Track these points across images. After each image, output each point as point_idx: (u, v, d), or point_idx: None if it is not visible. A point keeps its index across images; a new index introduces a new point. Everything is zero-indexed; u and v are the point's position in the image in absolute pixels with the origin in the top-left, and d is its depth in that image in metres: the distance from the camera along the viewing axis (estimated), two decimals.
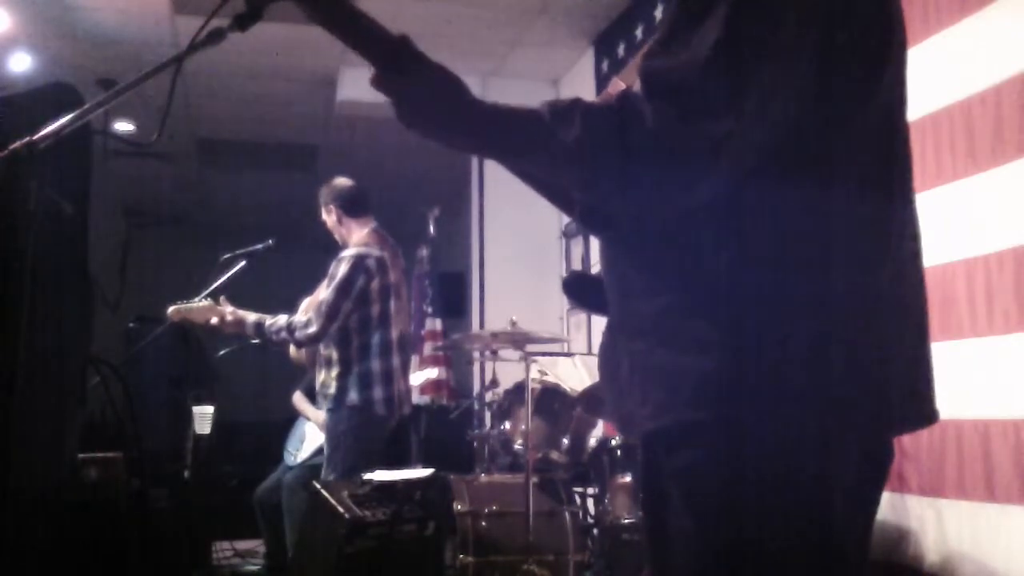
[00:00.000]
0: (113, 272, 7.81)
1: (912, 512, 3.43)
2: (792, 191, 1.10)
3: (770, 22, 1.06)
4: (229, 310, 3.76)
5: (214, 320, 3.75)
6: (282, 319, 3.72)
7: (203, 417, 4.81)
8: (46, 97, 2.30)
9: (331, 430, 3.70)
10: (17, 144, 1.49)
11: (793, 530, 1.10)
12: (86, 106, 1.55)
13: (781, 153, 1.09)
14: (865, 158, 1.15)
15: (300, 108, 6.95)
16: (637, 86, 1.13)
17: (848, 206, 1.13)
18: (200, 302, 3.82)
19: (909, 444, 3.44)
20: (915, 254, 1.24)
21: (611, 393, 1.27)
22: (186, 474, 4.51)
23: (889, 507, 3.57)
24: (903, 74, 1.23)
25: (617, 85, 1.35)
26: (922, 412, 1.28)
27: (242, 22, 1.37)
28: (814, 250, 1.10)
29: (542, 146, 1.10)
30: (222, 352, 5.18)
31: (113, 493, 2.88)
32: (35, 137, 1.50)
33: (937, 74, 3.39)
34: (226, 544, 5.39)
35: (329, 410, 3.71)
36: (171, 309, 3.81)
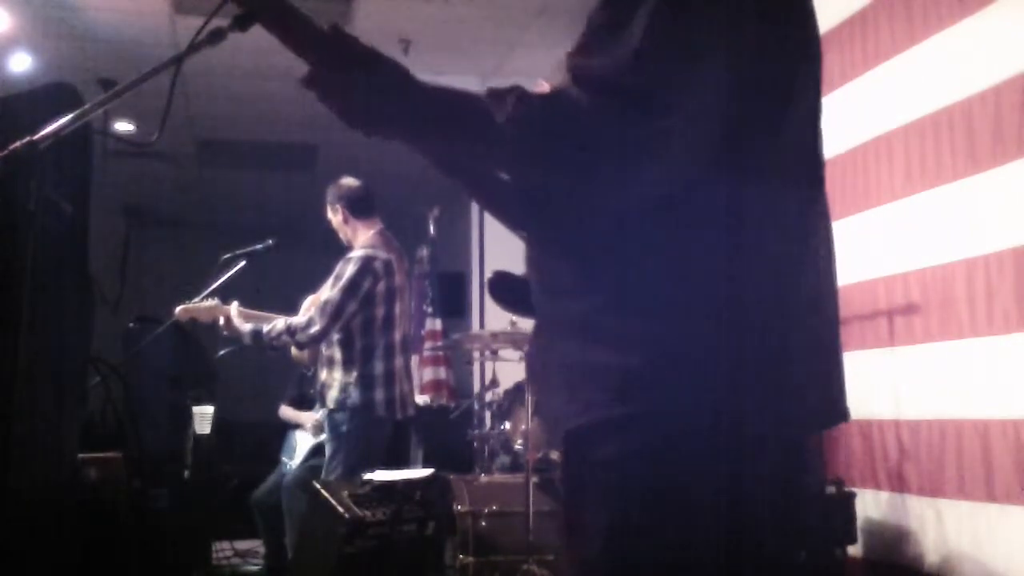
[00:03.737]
0: (113, 272, 7.81)
1: (912, 512, 3.43)
2: (722, 193, 1.10)
3: (692, 24, 1.06)
4: (235, 313, 3.76)
5: (220, 321, 3.76)
6: (280, 323, 3.71)
7: (203, 417, 4.80)
8: (46, 97, 2.30)
9: (332, 431, 3.71)
10: (17, 144, 1.49)
11: (707, 528, 1.11)
12: (86, 106, 1.55)
13: (714, 153, 1.09)
14: (792, 160, 1.16)
15: (300, 108, 6.94)
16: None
17: (775, 209, 1.14)
18: (206, 301, 3.82)
19: (909, 444, 3.45)
20: (831, 257, 1.26)
21: (539, 394, 1.27)
22: (186, 474, 4.50)
23: (889, 507, 3.57)
24: (819, 74, 1.23)
25: (542, 86, 1.32)
26: (836, 412, 1.26)
27: (242, 22, 1.37)
28: (742, 253, 1.11)
29: (477, 126, 1.08)
30: (222, 352, 5.18)
31: (113, 493, 2.88)
32: (35, 137, 1.50)
33: (937, 74, 3.40)
34: (226, 544, 5.38)
35: (330, 411, 3.71)
36: (179, 308, 3.82)
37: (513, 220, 1.31)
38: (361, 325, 3.69)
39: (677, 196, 1.09)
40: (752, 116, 1.11)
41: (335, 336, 3.69)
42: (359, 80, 1.08)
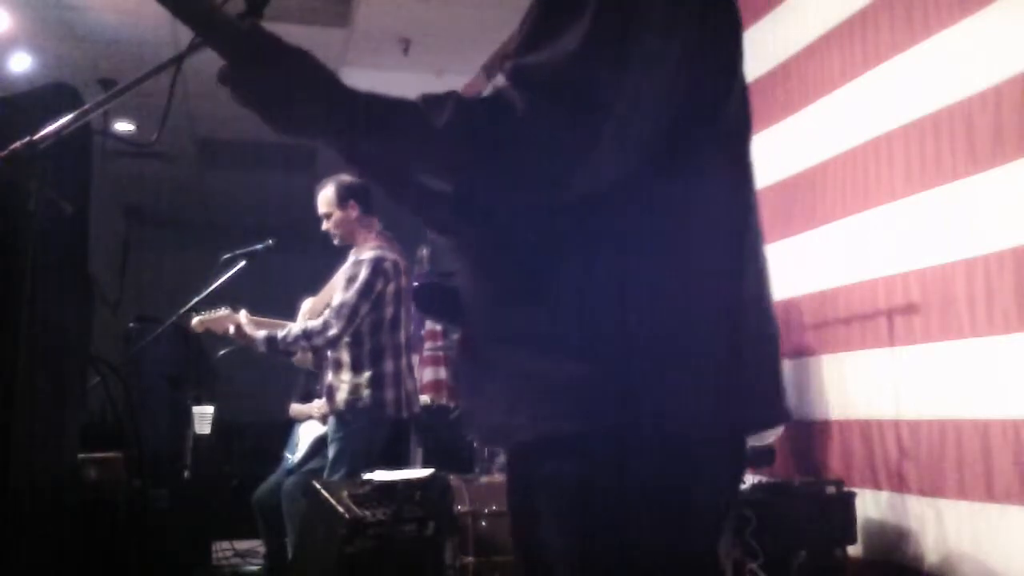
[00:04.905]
0: (113, 272, 7.81)
1: (912, 512, 3.43)
2: (664, 192, 1.08)
3: (636, 20, 1.05)
4: (244, 322, 3.77)
5: (231, 330, 3.77)
6: (295, 328, 3.73)
7: (203, 417, 4.81)
8: (46, 97, 2.30)
9: (339, 431, 3.72)
10: (17, 144, 1.49)
11: (670, 541, 1.08)
12: (86, 106, 1.55)
13: (653, 152, 1.07)
14: (727, 159, 1.15)
15: None
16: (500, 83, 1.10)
17: (716, 207, 1.12)
18: (219, 311, 3.83)
19: (909, 444, 3.44)
20: (765, 256, 1.23)
21: (475, 402, 1.21)
22: (186, 474, 4.51)
23: (889, 507, 3.57)
24: (744, 82, 1.23)
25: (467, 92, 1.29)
26: (782, 411, 1.22)
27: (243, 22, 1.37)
28: (688, 254, 1.09)
29: (413, 132, 1.05)
30: (222, 352, 5.18)
31: (113, 493, 2.88)
32: (35, 137, 1.50)
33: (937, 74, 3.40)
34: (226, 544, 5.39)
35: (337, 411, 3.72)
36: (195, 320, 3.83)
37: (440, 225, 1.28)
38: (371, 326, 3.71)
39: (615, 199, 1.07)
40: (686, 120, 1.09)
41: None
42: (275, 79, 1.05)
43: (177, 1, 1.09)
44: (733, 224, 1.15)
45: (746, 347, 1.12)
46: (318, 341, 3.68)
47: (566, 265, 1.09)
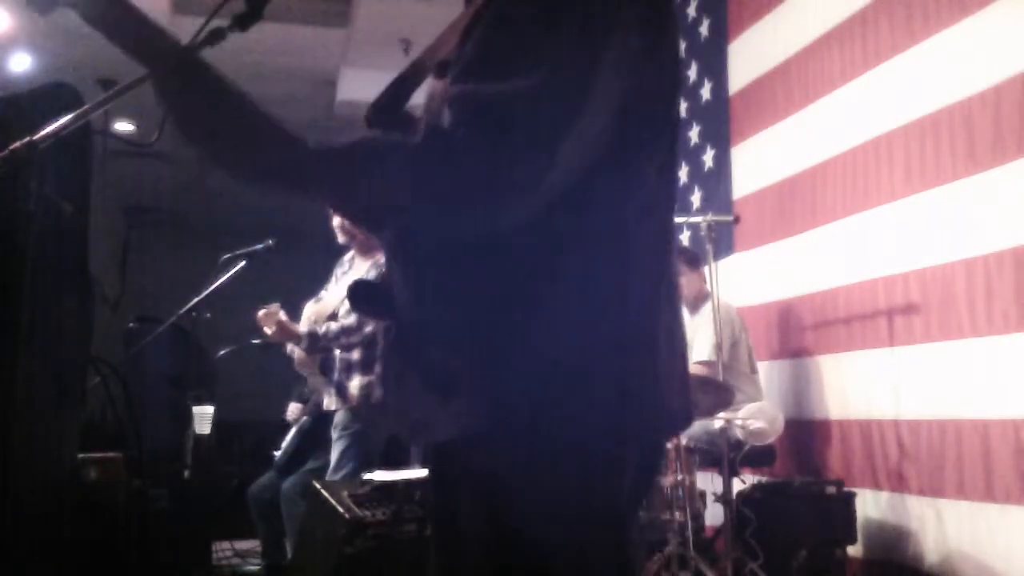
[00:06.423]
0: (113, 272, 7.81)
1: (912, 512, 3.44)
2: (602, 212, 1.14)
3: (591, 64, 1.07)
4: (286, 319, 3.81)
5: (271, 329, 3.79)
6: (333, 326, 3.79)
7: (203, 417, 4.81)
8: (46, 97, 2.30)
9: (348, 426, 3.76)
10: (17, 144, 1.49)
11: (585, 536, 1.13)
12: (86, 106, 1.55)
13: (585, 186, 1.12)
14: (650, 199, 1.20)
15: (300, 108, 6.95)
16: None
17: (636, 240, 1.18)
18: (274, 305, 3.86)
19: (909, 444, 3.45)
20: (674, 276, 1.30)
21: (399, 396, 1.25)
22: (186, 474, 4.50)
23: (889, 507, 3.57)
24: (678, 118, 1.30)
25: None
26: (687, 417, 1.32)
27: (242, 22, 1.37)
28: (609, 279, 1.14)
29: (368, 182, 1.08)
30: (222, 352, 5.18)
31: (113, 493, 2.88)
32: (35, 137, 1.50)
33: (937, 74, 3.40)
34: (226, 544, 5.38)
35: (351, 407, 3.76)
36: (261, 313, 3.85)
37: (368, 223, 1.31)
38: (385, 327, 3.77)
39: (556, 212, 1.11)
40: (632, 146, 1.15)
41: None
42: (203, 99, 1.09)
43: (105, 16, 1.10)
44: (653, 251, 1.21)
45: (665, 357, 1.19)
46: (355, 338, 3.76)
47: (489, 274, 1.14)
